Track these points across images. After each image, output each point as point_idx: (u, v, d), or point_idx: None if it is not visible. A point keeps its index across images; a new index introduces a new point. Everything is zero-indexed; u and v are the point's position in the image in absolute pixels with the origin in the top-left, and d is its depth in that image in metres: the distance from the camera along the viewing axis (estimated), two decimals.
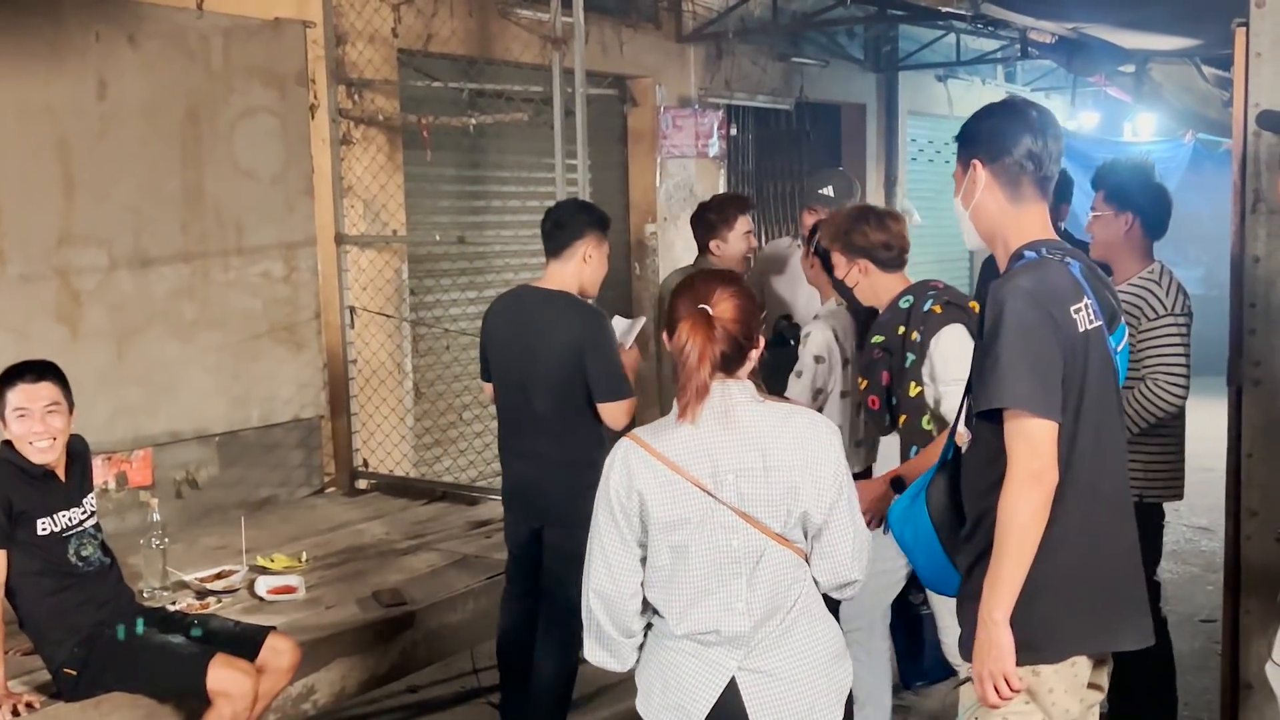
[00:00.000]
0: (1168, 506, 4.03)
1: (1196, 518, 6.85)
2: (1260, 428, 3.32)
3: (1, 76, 4.80)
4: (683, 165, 8.49)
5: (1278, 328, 3.27)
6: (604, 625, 2.63)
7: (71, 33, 5.00)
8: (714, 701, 2.52)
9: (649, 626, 2.68)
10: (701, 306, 2.54)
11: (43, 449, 3.53)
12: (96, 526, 3.73)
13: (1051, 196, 2.61)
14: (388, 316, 6.36)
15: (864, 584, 2.65)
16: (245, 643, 3.68)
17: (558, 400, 3.93)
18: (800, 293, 5.22)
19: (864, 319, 3.97)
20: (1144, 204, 3.94)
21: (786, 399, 3.75)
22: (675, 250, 8.20)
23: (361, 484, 6.19)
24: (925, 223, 10.07)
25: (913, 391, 3.59)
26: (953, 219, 2.76)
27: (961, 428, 2.60)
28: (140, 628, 3.65)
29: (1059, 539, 2.38)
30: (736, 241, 5.08)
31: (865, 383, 3.79)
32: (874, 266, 3.74)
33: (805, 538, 2.57)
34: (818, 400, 4.05)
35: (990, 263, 4.72)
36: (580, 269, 4.01)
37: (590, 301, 4.11)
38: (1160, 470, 3.88)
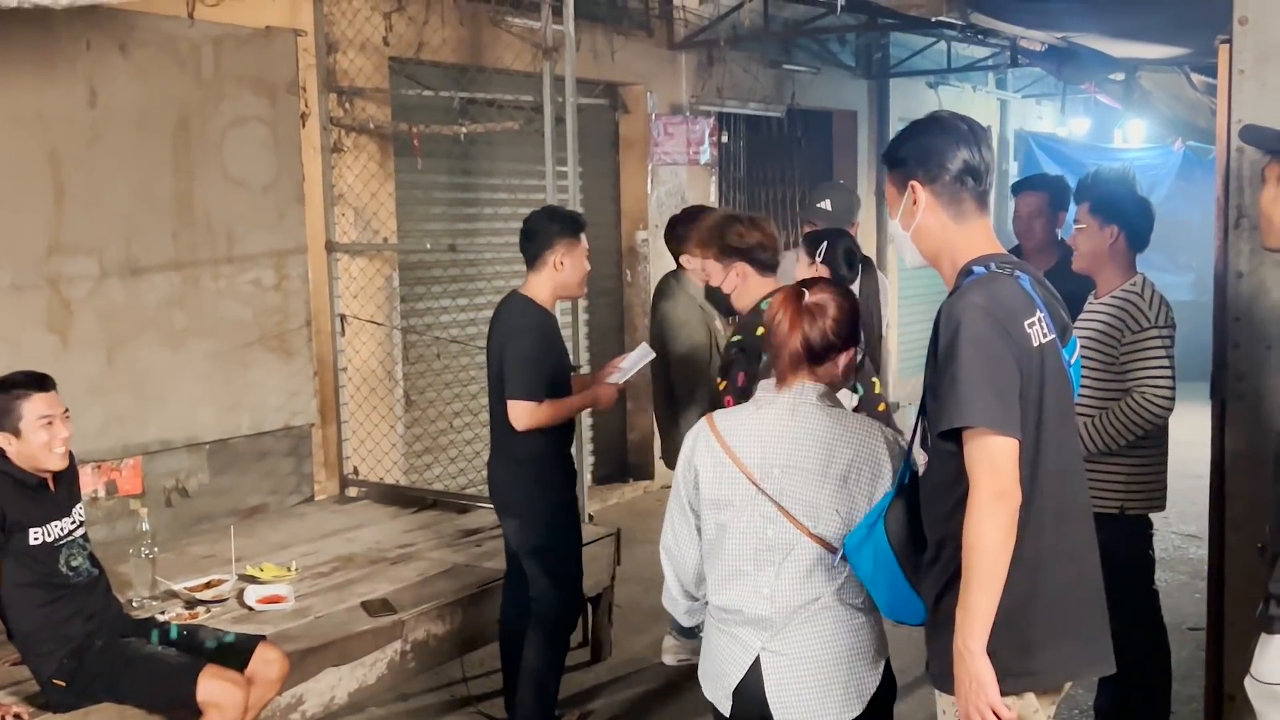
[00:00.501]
0: (1154, 515, 4.05)
1: (1185, 525, 6.87)
2: (1243, 441, 3.34)
3: None
4: (674, 172, 8.51)
5: (1260, 342, 3.29)
6: (669, 580, 2.93)
7: (62, 41, 5.00)
8: (742, 676, 2.72)
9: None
10: (800, 289, 2.74)
11: (61, 456, 3.58)
12: (85, 537, 3.74)
13: (991, 210, 2.58)
14: (379, 324, 6.37)
15: None
16: (234, 653, 3.69)
17: (496, 397, 4.15)
18: None
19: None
20: (1129, 217, 3.95)
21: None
22: (666, 257, 8.15)
23: (352, 492, 6.19)
24: None
25: None
26: None
27: (917, 450, 2.57)
28: (155, 639, 3.71)
29: (1034, 560, 2.35)
30: None
31: (723, 383, 3.70)
32: (752, 270, 3.67)
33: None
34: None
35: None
36: (554, 276, 4.17)
37: (578, 300, 4.25)
38: (1142, 481, 3.89)
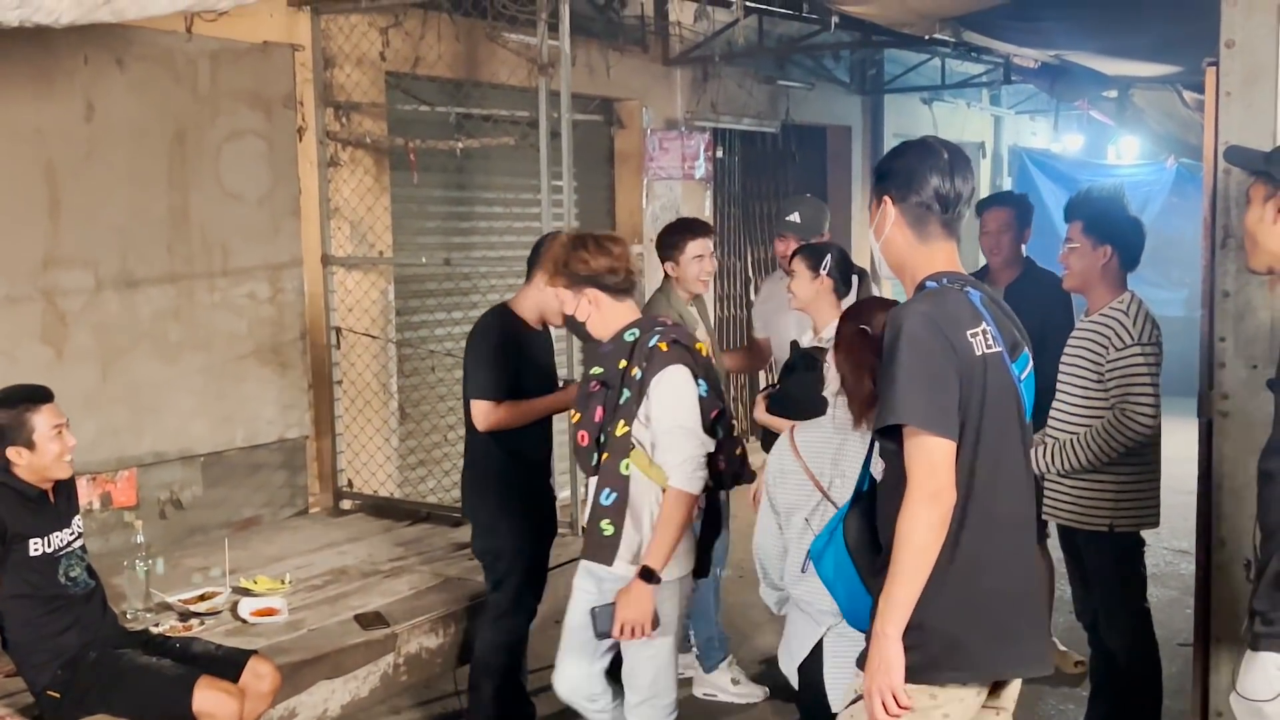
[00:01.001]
0: (1146, 532, 4.06)
1: (1177, 540, 6.88)
2: (1230, 460, 3.36)
3: None
4: (669, 187, 8.55)
5: (1246, 362, 3.32)
6: (759, 567, 3.26)
7: (60, 55, 5.03)
8: (808, 650, 3.09)
9: None
10: (862, 327, 2.90)
11: (68, 464, 3.63)
12: (83, 548, 3.75)
13: (960, 235, 2.63)
14: (373, 337, 6.39)
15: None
16: (227, 666, 3.70)
17: (465, 403, 4.16)
18: (788, 320, 5.23)
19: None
20: (1123, 236, 3.95)
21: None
22: (661, 272, 8.23)
23: (346, 505, 6.21)
24: None
25: (619, 430, 3.34)
26: None
27: (876, 458, 2.64)
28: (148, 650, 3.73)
29: (960, 563, 2.42)
30: (688, 265, 5.09)
31: (578, 416, 3.48)
32: (604, 295, 3.43)
33: None
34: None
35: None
36: (538, 295, 4.12)
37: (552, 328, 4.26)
38: (1131, 498, 3.90)
